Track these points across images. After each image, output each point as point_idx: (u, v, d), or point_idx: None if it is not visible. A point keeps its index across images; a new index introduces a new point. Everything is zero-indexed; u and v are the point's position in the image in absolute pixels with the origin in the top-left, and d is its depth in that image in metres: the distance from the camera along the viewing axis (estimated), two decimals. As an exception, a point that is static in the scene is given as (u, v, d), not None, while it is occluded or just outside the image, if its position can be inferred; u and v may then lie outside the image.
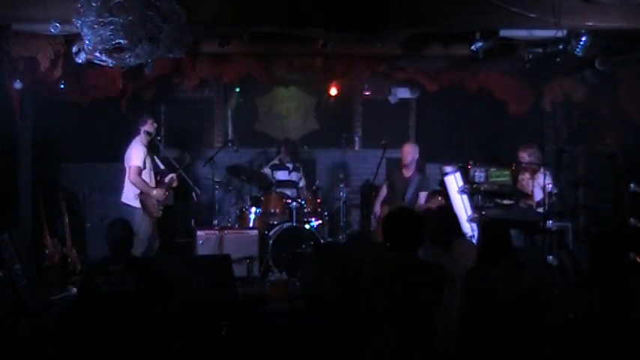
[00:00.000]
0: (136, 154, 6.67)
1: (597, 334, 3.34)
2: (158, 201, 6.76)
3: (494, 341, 3.78)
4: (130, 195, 6.71)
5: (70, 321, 4.44)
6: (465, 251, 4.99)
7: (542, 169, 6.66)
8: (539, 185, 6.62)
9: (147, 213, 6.69)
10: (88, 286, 4.35)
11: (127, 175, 6.72)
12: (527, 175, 6.95)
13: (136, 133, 6.85)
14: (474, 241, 6.93)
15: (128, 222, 4.65)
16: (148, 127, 6.83)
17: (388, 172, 7.43)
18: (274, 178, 7.82)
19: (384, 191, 7.33)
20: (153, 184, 6.82)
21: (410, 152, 7.18)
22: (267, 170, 7.98)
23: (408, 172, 7.06)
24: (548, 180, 6.43)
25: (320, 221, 7.56)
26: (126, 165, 6.75)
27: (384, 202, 7.14)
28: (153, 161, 6.95)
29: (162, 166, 7.09)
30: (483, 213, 6.37)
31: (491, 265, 3.98)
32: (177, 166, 7.17)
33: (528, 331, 3.75)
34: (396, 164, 7.52)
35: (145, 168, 6.71)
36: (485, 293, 3.84)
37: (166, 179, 6.95)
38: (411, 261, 3.65)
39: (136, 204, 6.66)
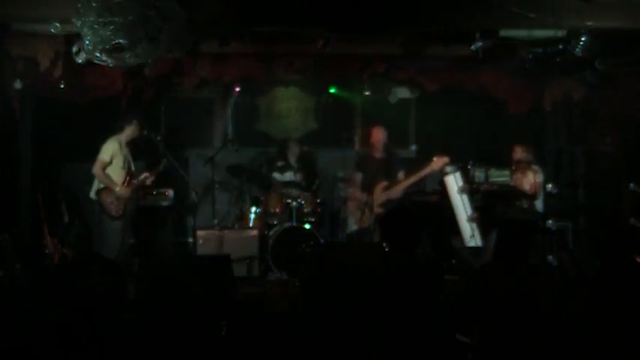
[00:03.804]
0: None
1: (601, 333, 3.34)
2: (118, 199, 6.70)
3: (504, 339, 3.77)
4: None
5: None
6: None
7: (534, 168, 6.67)
8: (529, 183, 6.62)
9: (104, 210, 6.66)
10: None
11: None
12: (518, 174, 6.97)
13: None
14: (474, 241, 6.97)
15: None
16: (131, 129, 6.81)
17: (358, 160, 7.37)
18: (281, 179, 7.82)
19: (358, 178, 7.27)
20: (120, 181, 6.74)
21: (382, 135, 7.10)
22: (276, 175, 7.96)
23: (378, 154, 7.04)
24: (539, 179, 6.46)
25: (320, 221, 7.56)
26: None
27: (363, 188, 7.08)
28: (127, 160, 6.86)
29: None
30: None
31: (505, 264, 3.95)
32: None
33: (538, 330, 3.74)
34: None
35: (111, 164, 6.67)
36: (495, 291, 3.82)
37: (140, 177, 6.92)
38: (409, 259, 3.65)
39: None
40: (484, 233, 6.90)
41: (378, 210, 6.87)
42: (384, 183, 6.89)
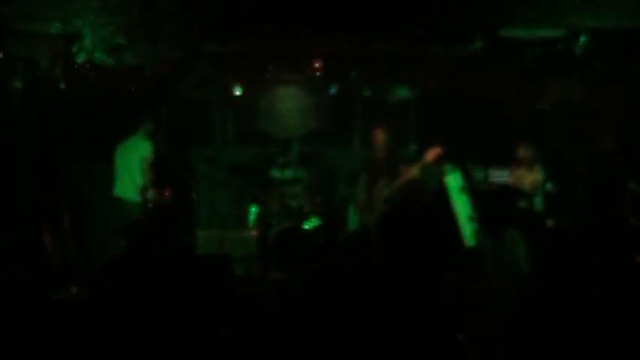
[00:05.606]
0: None
1: (601, 333, 3.34)
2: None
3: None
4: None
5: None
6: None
7: (536, 167, 6.69)
8: (529, 182, 6.64)
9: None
10: None
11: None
12: (521, 172, 6.96)
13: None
14: (474, 241, 6.96)
15: None
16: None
17: (364, 162, 7.37)
18: (282, 177, 7.83)
19: (363, 180, 7.27)
20: None
21: (381, 137, 7.10)
22: (276, 172, 7.96)
23: (379, 155, 7.05)
24: (539, 178, 6.47)
25: (320, 221, 7.56)
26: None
27: (366, 189, 7.12)
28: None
29: None
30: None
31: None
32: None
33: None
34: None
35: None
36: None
37: None
38: (407, 260, 3.65)
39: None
40: (484, 233, 6.90)
41: (379, 208, 6.85)
42: (385, 181, 6.89)
